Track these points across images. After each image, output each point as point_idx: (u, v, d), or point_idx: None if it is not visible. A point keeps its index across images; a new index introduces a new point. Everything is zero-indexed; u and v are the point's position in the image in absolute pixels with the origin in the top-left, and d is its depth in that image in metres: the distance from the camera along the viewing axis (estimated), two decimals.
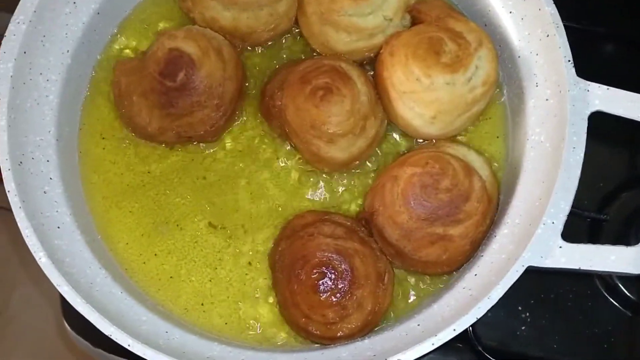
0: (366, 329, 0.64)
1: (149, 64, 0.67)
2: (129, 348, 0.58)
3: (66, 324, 0.79)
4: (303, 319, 0.64)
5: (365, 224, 0.69)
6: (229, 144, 0.73)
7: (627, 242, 0.72)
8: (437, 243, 0.64)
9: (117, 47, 0.76)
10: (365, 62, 0.75)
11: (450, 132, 0.70)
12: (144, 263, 0.71)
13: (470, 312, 0.58)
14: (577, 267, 0.59)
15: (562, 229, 0.60)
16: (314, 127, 0.65)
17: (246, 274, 0.70)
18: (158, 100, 0.67)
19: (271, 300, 0.69)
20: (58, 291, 0.75)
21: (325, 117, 0.65)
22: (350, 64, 0.69)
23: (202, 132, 0.70)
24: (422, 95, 0.67)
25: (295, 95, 0.66)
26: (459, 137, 0.73)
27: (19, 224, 0.61)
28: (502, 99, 0.74)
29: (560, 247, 0.59)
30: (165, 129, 0.69)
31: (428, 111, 0.67)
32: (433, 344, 0.57)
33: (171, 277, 0.70)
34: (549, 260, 0.59)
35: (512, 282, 0.58)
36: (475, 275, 0.64)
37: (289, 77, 0.68)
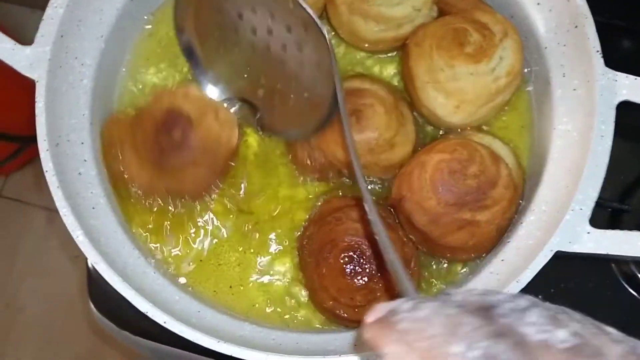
0: None
1: (144, 119, 0.68)
2: (164, 325, 0.59)
3: (92, 306, 0.80)
4: (331, 302, 0.66)
5: (393, 211, 0.70)
6: None
7: None
8: (464, 228, 0.65)
9: (148, 34, 0.77)
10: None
11: (474, 121, 0.71)
12: (172, 248, 0.72)
13: None
14: (605, 252, 0.60)
15: (590, 215, 0.61)
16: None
17: (274, 259, 0.71)
18: (150, 155, 0.67)
19: (299, 284, 0.70)
20: (84, 274, 0.78)
21: None
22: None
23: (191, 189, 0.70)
24: (446, 85, 0.68)
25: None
26: (484, 127, 0.74)
27: (56, 204, 0.62)
28: (528, 89, 0.75)
29: (589, 232, 0.60)
30: (155, 185, 0.69)
31: (451, 101, 0.69)
32: None
33: (201, 260, 0.71)
34: (577, 245, 0.60)
35: (540, 267, 0.60)
36: (502, 260, 0.65)
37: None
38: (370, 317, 0.40)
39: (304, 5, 0.63)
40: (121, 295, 0.72)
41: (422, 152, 0.69)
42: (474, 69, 0.67)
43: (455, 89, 0.68)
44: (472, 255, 0.68)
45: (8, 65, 0.66)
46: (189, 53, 0.75)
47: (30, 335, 1.84)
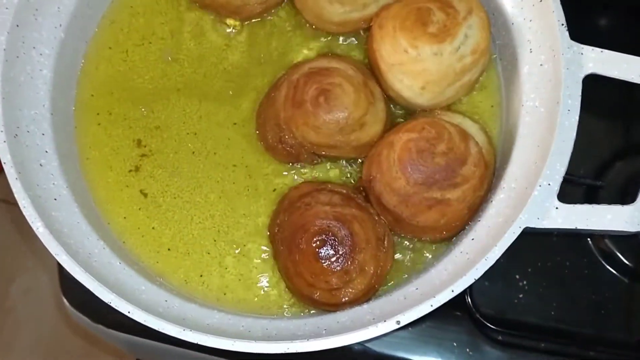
0: (370, 293, 0.65)
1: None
2: (129, 315, 0.58)
3: (65, 301, 0.79)
4: (307, 287, 0.65)
5: (363, 193, 0.69)
6: None
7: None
8: (434, 207, 0.64)
9: (109, 22, 0.76)
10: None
11: (442, 101, 0.70)
12: (142, 236, 0.71)
13: (467, 273, 0.58)
14: (573, 227, 0.59)
15: (557, 191, 0.60)
16: None
17: (245, 245, 0.70)
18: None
19: (272, 270, 0.69)
20: (57, 273, 0.77)
21: None
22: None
23: None
24: (410, 67, 0.67)
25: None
26: (453, 107, 0.73)
27: (15, 195, 0.60)
28: (496, 68, 0.74)
29: (557, 207, 0.60)
30: None
31: (417, 82, 0.68)
32: (432, 305, 0.57)
33: (169, 249, 0.70)
34: (546, 221, 0.59)
35: (509, 244, 0.59)
36: (473, 239, 0.64)
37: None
38: None
39: None
40: None
41: (391, 132, 0.68)
42: (437, 49, 0.66)
43: (420, 70, 0.67)
44: (444, 234, 0.67)
45: None
46: None
47: (21, 336, 1.83)
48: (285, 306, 0.68)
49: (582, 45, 0.63)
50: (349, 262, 0.64)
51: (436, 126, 0.65)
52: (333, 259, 0.64)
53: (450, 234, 0.68)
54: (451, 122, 0.67)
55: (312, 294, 0.65)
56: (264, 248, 0.70)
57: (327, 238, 0.64)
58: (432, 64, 0.66)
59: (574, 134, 0.61)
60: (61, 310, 1.81)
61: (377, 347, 0.73)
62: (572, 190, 0.76)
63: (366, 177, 0.68)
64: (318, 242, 0.64)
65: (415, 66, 0.67)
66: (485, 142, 0.69)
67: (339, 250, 0.64)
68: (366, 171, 0.68)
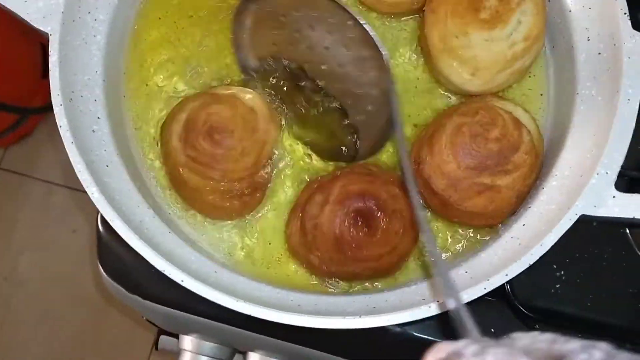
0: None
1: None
2: (182, 283, 0.58)
3: (101, 270, 0.78)
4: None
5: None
6: None
7: None
8: (483, 193, 0.64)
9: None
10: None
11: (493, 88, 0.70)
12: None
13: (522, 258, 0.58)
14: (631, 217, 0.59)
15: (615, 179, 0.60)
16: None
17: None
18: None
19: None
20: (96, 233, 0.76)
21: None
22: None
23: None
24: (460, 53, 0.67)
25: None
26: (504, 94, 0.73)
27: (71, 159, 0.60)
28: (547, 55, 0.74)
29: (614, 196, 0.60)
30: None
31: (467, 68, 0.67)
32: (485, 288, 0.58)
33: (214, 224, 0.70)
34: (603, 209, 0.59)
35: (564, 230, 0.59)
36: (524, 225, 0.64)
37: None
38: (431, 356, 0.38)
39: (363, 23, 0.64)
40: (131, 259, 0.72)
41: (443, 115, 0.67)
42: (488, 35, 0.65)
43: (470, 56, 0.66)
44: (490, 221, 0.67)
45: (19, 20, 0.64)
46: (245, 69, 0.74)
47: (30, 309, 1.83)
48: (330, 282, 0.68)
49: None
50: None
51: (491, 111, 0.65)
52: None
53: (496, 221, 0.68)
54: (504, 109, 0.67)
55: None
56: None
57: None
58: (483, 51, 0.66)
59: (633, 123, 0.61)
60: (69, 285, 1.81)
61: (416, 332, 0.73)
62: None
63: (415, 159, 0.68)
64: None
65: (466, 52, 0.66)
66: (536, 132, 0.69)
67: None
68: (415, 153, 0.68)
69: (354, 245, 0.64)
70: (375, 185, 0.65)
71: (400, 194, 0.66)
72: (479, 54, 0.66)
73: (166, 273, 0.58)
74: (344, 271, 0.65)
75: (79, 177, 0.60)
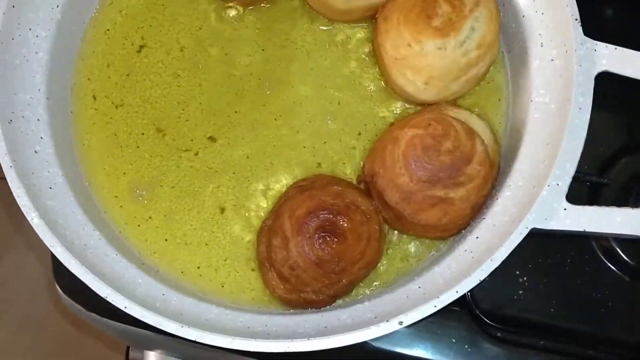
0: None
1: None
2: (125, 310, 0.56)
3: (58, 288, 0.77)
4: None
5: (365, 187, 0.68)
6: None
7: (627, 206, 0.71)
8: (437, 206, 0.63)
9: (107, 3, 0.73)
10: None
11: (447, 96, 0.69)
12: (139, 226, 0.69)
13: (472, 274, 0.57)
14: (582, 229, 0.58)
15: (566, 191, 0.59)
16: None
17: (243, 238, 0.69)
18: None
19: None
20: (50, 255, 0.75)
21: None
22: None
23: None
24: (413, 62, 0.65)
25: None
26: (460, 101, 0.71)
27: (10, 184, 0.59)
28: (504, 61, 0.72)
29: (565, 209, 0.59)
30: None
31: (420, 77, 0.66)
32: (435, 306, 0.56)
33: (166, 239, 0.69)
34: (554, 222, 0.58)
35: (515, 244, 0.58)
36: (477, 237, 0.63)
37: None
38: None
39: None
40: None
41: (396, 127, 0.66)
42: (441, 43, 0.64)
43: (423, 65, 0.65)
44: (446, 233, 0.66)
45: None
46: None
47: (10, 313, 1.82)
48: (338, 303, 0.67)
49: (596, 42, 0.62)
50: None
51: (443, 123, 0.63)
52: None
53: (451, 233, 0.67)
54: (457, 119, 0.65)
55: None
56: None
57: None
58: (436, 59, 0.64)
59: (585, 133, 0.60)
60: (51, 290, 1.80)
61: (375, 343, 0.72)
62: (576, 186, 0.74)
63: (369, 172, 0.66)
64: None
65: (419, 61, 0.65)
66: (491, 140, 0.68)
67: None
68: (369, 166, 0.67)
69: (336, 259, 0.62)
70: (317, 196, 0.63)
71: (340, 188, 0.65)
72: (432, 62, 0.65)
73: (109, 299, 0.57)
74: (341, 287, 0.64)
75: (18, 202, 0.58)
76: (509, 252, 0.58)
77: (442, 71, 0.65)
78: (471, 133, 0.64)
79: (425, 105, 0.70)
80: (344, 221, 0.63)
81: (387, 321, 0.56)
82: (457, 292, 0.57)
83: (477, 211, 0.65)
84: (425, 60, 0.65)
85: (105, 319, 0.75)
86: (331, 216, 0.63)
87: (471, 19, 0.64)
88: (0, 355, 1.82)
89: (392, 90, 0.70)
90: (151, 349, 0.83)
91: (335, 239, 0.62)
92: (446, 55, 0.64)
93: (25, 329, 1.82)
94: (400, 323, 0.56)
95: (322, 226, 0.63)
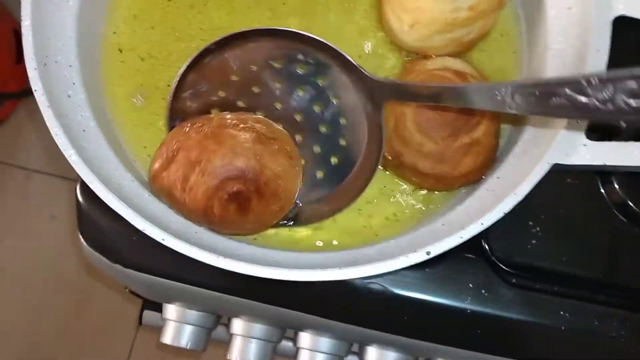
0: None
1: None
2: (162, 242, 0.58)
3: (83, 241, 0.78)
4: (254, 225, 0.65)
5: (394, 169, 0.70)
6: None
7: None
8: (469, 151, 0.65)
9: None
10: None
11: (427, 48, 0.70)
12: None
13: (497, 207, 0.59)
14: (602, 163, 0.60)
15: (586, 128, 0.61)
16: None
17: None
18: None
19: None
20: (74, 208, 0.76)
21: None
22: None
23: None
24: (406, 1, 0.67)
25: None
26: (473, 56, 0.73)
27: (47, 123, 0.60)
28: (518, 13, 0.75)
29: (585, 145, 0.61)
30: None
31: (407, 17, 0.68)
32: (461, 237, 0.59)
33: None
34: (574, 157, 0.61)
35: (537, 179, 0.60)
36: (498, 178, 0.65)
37: None
38: None
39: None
40: (112, 228, 0.72)
41: (396, 104, 0.68)
42: None
43: (414, 6, 0.66)
44: (484, 171, 0.68)
45: None
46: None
47: (10, 296, 1.82)
48: (316, 243, 0.69)
49: None
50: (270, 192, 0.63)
51: (435, 78, 0.65)
52: (254, 204, 0.63)
53: (488, 168, 0.69)
54: (442, 67, 0.67)
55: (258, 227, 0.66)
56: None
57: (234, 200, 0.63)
58: (427, 4, 0.66)
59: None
60: (50, 272, 1.80)
61: (395, 288, 0.74)
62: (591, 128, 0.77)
63: (393, 156, 0.68)
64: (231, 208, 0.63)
65: (411, 2, 0.67)
66: (475, 71, 0.69)
67: (251, 197, 0.63)
68: (390, 150, 0.68)
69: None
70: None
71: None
72: (422, 6, 0.66)
73: (147, 232, 0.58)
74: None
75: (56, 141, 0.60)
76: (532, 186, 0.60)
77: (428, 18, 0.66)
78: (461, 75, 0.66)
79: (407, 68, 0.72)
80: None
81: (415, 252, 0.58)
82: (482, 224, 0.59)
83: (499, 137, 0.68)
84: (416, 3, 0.66)
85: (129, 270, 0.76)
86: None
87: None
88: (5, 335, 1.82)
89: (384, 30, 0.73)
90: (170, 302, 0.84)
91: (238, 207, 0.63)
92: (436, 5, 0.65)
93: (27, 310, 1.82)
94: (428, 253, 0.58)
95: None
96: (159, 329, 0.89)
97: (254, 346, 0.81)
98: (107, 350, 1.78)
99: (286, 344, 0.96)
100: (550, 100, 0.46)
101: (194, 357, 1.74)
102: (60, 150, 0.60)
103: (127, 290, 0.94)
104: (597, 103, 0.42)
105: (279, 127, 0.67)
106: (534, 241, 0.78)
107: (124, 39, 0.74)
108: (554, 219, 0.78)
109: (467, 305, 0.74)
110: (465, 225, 0.59)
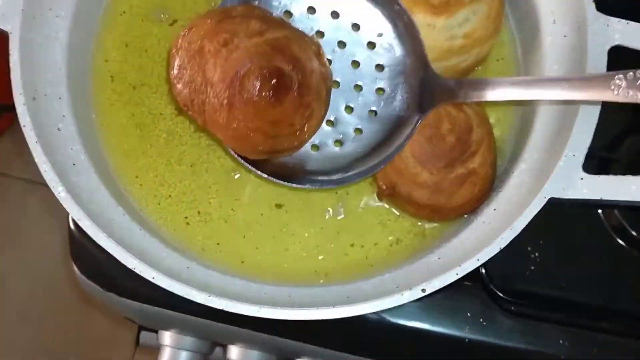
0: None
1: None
2: (153, 280, 0.57)
3: (75, 268, 0.78)
4: (268, 140, 0.57)
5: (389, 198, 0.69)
6: None
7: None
8: (465, 182, 0.65)
9: None
10: None
11: None
12: (159, 204, 0.70)
13: (493, 242, 0.58)
14: (599, 198, 0.60)
15: (583, 161, 0.60)
16: None
17: (262, 214, 0.70)
18: None
19: (293, 241, 0.69)
20: (66, 236, 0.76)
21: None
22: None
23: None
24: None
25: None
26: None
27: (36, 159, 0.59)
28: (514, 38, 0.74)
29: (582, 178, 0.60)
30: None
31: None
32: (457, 274, 0.58)
33: (186, 217, 0.70)
34: (571, 191, 0.60)
35: (534, 213, 0.59)
36: (495, 210, 0.64)
37: None
38: None
39: None
40: (105, 256, 0.71)
41: None
42: (431, 21, 0.65)
43: None
44: (480, 201, 0.68)
45: None
46: None
47: (10, 307, 1.82)
48: (307, 275, 0.68)
49: (609, 17, 0.63)
50: (306, 93, 0.56)
51: None
52: (290, 97, 0.55)
53: (484, 198, 0.68)
54: None
55: (275, 146, 0.58)
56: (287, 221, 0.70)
57: (272, 75, 0.54)
58: (422, 33, 0.64)
59: (600, 103, 0.61)
60: (51, 283, 1.80)
61: (392, 318, 0.73)
62: (586, 162, 0.76)
63: (388, 186, 0.67)
64: (267, 85, 0.54)
65: None
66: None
67: (292, 85, 0.55)
68: (385, 180, 0.68)
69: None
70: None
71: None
72: None
73: (137, 271, 0.57)
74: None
75: (45, 177, 0.59)
76: (528, 221, 0.59)
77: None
78: (456, 104, 0.65)
79: None
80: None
81: (410, 289, 0.57)
82: (478, 260, 0.58)
83: (495, 168, 0.67)
84: None
85: (123, 299, 0.76)
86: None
87: (469, 9, 0.65)
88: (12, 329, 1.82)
89: None
90: (166, 329, 0.83)
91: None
92: (431, 34, 0.65)
93: (28, 322, 1.82)
94: (423, 290, 0.57)
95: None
96: (157, 349, 0.88)
97: None
98: None
99: None
100: None
101: None
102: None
103: (124, 316, 0.94)
104: None
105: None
106: (532, 267, 0.77)
107: (115, 67, 0.73)
108: (553, 245, 0.77)
109: (465, 334, 0.73)
110: (462, 261, 0.58)
